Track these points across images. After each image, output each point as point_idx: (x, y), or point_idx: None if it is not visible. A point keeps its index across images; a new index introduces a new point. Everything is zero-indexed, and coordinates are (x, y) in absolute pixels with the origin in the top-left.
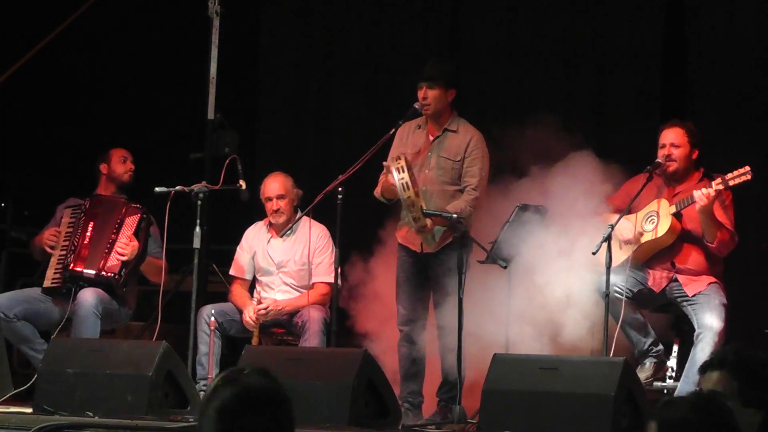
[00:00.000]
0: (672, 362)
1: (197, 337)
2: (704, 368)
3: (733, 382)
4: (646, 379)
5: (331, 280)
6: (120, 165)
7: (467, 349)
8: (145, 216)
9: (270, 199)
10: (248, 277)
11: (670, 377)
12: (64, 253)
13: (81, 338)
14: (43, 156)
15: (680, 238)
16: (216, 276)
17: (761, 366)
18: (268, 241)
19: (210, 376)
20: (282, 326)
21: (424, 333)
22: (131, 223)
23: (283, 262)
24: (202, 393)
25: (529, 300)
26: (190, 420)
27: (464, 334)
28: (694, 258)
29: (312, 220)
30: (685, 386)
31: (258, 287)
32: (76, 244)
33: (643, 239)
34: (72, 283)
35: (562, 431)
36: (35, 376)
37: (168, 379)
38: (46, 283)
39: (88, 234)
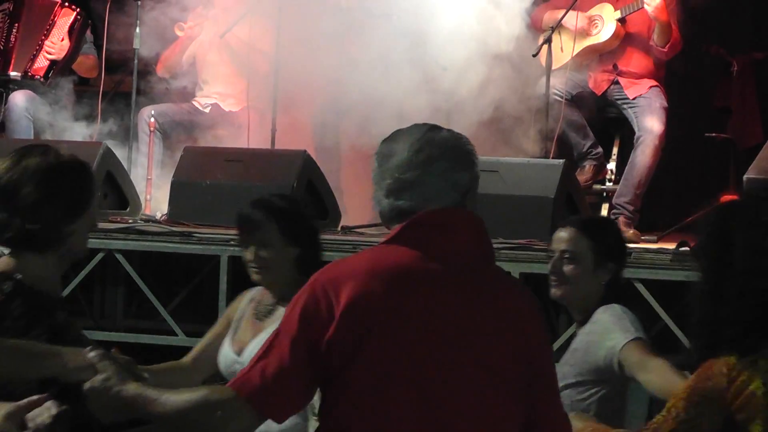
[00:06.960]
0: (611, 165)
1: (137, 138)
2: None
3: None
4: (586, 181)
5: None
6: None
7: None
8: (79, 17)
9: None
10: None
11: (609, 180)
12: None
13: (14, 139)
14: None
15: (623, 40)
16: (156, 76)
17: None
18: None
19: (149, 177)
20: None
21: None
22: (63, 24)
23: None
24: (141, 195)
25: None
26: (129, 221)
27: None
28: (636, 60)
29: None
30: (623, 189)
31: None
32: (1, 47)
33: (587, 42)
34: (2, 86)
35: (502, 233)
36: None
37: (107, 179)
38: None
39: (13, 37)
